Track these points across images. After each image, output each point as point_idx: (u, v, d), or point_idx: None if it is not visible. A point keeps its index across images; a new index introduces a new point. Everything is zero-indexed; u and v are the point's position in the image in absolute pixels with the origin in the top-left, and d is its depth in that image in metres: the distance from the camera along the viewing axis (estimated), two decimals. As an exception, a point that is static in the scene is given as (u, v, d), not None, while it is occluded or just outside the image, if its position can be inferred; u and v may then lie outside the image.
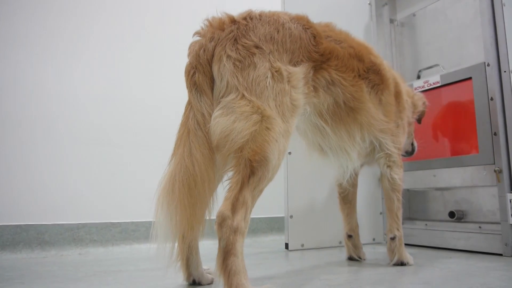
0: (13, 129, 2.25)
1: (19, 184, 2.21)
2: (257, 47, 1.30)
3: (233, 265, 1.10)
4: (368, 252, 2.18)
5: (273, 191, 2.36)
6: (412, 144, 2.19)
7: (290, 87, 1.33)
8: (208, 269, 1.50)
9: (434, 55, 2.70)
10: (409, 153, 2.20)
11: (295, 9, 2.47)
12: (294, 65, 1.37)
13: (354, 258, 1.96)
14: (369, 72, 1.65)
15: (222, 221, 1.13)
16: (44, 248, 2.18)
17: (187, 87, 1.33)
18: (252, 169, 1.19)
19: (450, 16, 2.59)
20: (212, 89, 1.30)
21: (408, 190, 2.72)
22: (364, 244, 2.56)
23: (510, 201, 2.02)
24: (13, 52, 2.32)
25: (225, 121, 1.22)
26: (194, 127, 1.28)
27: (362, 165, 1.98)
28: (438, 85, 2.41)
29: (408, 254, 1.81)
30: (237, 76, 1.26)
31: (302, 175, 2.42)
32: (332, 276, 1.56)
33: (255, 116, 1.22)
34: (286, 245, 2.37)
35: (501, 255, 2.03)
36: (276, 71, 1.30)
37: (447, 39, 2.62)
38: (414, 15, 2.84)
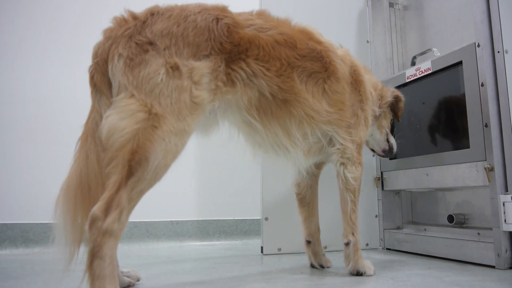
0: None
1: (5, 185, 2.35)
2: (150, 43, 1.25)
3: (97, 268, 1.06)
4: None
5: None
6: (388, 141, 1.93)
7: (191, 84, 1.25)
8: (128, 272, 1.47)
9: (436, 40, 2.41)
10: (387, 151, 1.95)
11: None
12: (199, 59, 1.29)
13: (315, 266, 1.80)
14: (304, 60, 1.49)
15: (92, 222, 1.09)
16: (28, 245, 2.31)
17: (90, 88, 1.32)
18: (131, 169, 1.13)
19: (450, -6, 2.28)
20: (111, 89, 1.28)
21: (406, 191, 2.45)
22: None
23: (504, 204, 1.71)
24: (12, 56, 2.49)
25: (111, 120, 1.18)
26: (93, 128, 1.28)
27: (320, 164, 1.81)
28: (430, 72, 2.13)
29: (366, 263, 1.61)
30: (127, 75, 1.22)
31: (279, 174, 2.28)
32: (262, 285, 1.44)
33: (140, 114, 1.18)
34: (262, 249, 2.25)
35: (494, 267, 1.72)
36: (171, 67, 1.23)
37: (447, 21, 2.31)
38: (414, -4, 2.55)
